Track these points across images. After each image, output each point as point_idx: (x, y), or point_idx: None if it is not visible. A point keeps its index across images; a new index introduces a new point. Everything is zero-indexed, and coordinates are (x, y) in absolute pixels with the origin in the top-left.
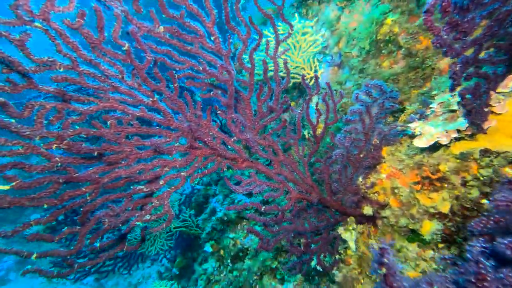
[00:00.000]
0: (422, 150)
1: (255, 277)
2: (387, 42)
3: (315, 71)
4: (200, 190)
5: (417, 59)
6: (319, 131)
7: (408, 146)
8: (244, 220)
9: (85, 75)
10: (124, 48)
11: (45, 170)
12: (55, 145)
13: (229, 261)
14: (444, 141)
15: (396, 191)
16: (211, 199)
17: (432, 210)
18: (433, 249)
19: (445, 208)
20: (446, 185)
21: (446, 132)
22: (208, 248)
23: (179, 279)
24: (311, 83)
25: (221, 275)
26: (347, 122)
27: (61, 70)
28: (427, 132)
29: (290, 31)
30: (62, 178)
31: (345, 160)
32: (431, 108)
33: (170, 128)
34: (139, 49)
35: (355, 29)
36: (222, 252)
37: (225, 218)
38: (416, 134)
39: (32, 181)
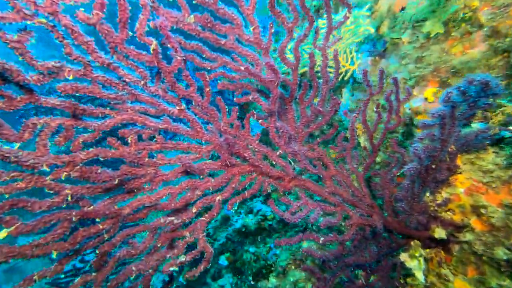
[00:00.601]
0: None
1: None
2: (460, 22)
3: (351, 62)
4: None
5: (506, 39)
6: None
7: (497, 153)
8: (264, 232)
9: (99, 82)
10: (152, 47)
11: (53, 207)
12: (65, 173)
13: (250, 278)
14: None
15: (482, 210)
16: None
17: None
18: None
19: None
20: None
21: None
22: (223, 261)
23: None
24: (346, 77)
25: None
26: (424, 127)
27: (71, 77)
28: None
29: (347, 15)
30: (75, 215)
31: (416, 174)
32: None
33: (199, 142)
34: (162, 46)
35: (404, 8)
36: (239, 264)
37: (243, 230)
38: None
39: (36, 221)
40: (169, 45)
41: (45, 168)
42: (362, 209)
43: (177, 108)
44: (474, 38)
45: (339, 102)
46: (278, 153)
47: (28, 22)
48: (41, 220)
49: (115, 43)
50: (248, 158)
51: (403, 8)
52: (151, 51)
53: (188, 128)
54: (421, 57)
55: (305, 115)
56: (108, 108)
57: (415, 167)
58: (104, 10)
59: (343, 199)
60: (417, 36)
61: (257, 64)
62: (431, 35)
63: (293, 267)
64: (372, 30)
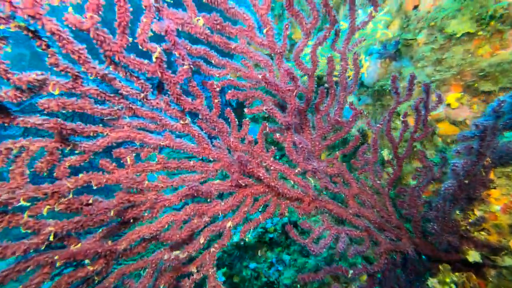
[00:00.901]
0: None
1: None
2: (488, 19)
3: (360, 65)
4: None
5: None
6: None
7: None
8: (265, 246)
9: (91, 96)
10: (155, 55)
11: (30, 250)
12: (48, 206)
13: None
14: None
15: None
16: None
17: None
18: None
19: None
20: None
21: None
22: (220, 277)
23: None
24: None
25: None
26: (463, 139)
27: (56, 92)
28: None
29: (373, 14)
30: (59, 258)
31: (451, 192)
32: None
33: (205, 159)
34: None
35: (416, 6)
36: (237, 280)
37: (242, 243)
38: None
39: (7, 271)
40: (175, 52)
41: (22, 203)
42: (391, 232)
43: (181, 122)
44: (506, 37)
45: (360, 111)
46: (297, 171)
47: (1, 27)
48: (15, 268)
49: (113, 51)
50: (263, 177)
51: (415, 7)
52: (154, 59)
53: (193, 145)
54: (441, 59)
55: (322, 126)
56: (100, 125)
57: (452, 186)
58: (100, 12)
59: (369, 221)
60: (436, 37)
61: (270, 70)
62: (457, 35)
63: (299, 285)
64: (390, 35)
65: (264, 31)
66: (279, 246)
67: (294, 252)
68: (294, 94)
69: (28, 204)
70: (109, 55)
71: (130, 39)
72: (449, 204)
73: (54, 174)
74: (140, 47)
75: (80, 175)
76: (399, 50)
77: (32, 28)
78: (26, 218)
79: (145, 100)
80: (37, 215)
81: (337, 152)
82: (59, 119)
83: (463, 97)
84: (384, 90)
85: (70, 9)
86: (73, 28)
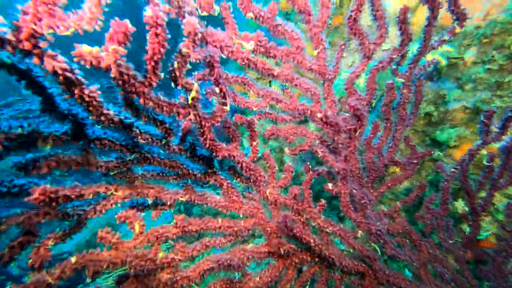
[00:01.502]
0: None
1: None
2: None
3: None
4: None
5: None
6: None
7: None
8: None
9: (95, 147)
10: (192, 95)
11: None
12: None
13: None
14: None
15: None
16: None
17: None
18: None
19: None
20: None
21: None
22: None
23: None
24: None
25: None
26: None
27: (48, 147)
28: None
29: (456, 30)
30: None
31: None
32: None
33: (234, 216)
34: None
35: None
36: None
37: None
38: None
39: None
40: (216, 88)
41: None
42: None
43: (209, 171)
44: None
45: (431, 152)
46: (359, 235)
47: None
48: None
49: (137, 93)
50: (313, 245)
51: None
52: (190, 100)
53: (218, 197)
54: (503, 82)
55: (374, 167)
56: (103, 182)
57: None
58: (127, 43)
59: None
60: (492, 55)
61: (317, 101)
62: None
63: None
64: (444, 62)
65: (315, 53)
66: None
67: None
68: (357, 134)
69: None
70: (130, 98)
71: (162, 75)
72: None
73: (28, 262)
74: (173, 85)
75: (73, 258)
76: (438, 70)
77: (22, 68)
78: None
79: (166, 146)
80: None
81: (397, 202)
82: (48, 186)
83: None
84: (418, 114)
85: (85, 45)
86: (88, 67)
